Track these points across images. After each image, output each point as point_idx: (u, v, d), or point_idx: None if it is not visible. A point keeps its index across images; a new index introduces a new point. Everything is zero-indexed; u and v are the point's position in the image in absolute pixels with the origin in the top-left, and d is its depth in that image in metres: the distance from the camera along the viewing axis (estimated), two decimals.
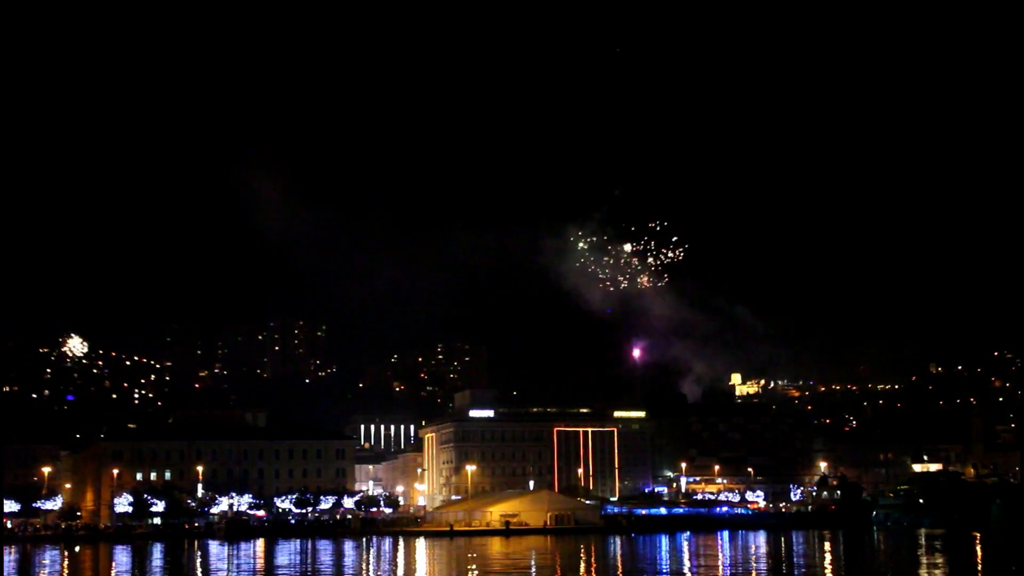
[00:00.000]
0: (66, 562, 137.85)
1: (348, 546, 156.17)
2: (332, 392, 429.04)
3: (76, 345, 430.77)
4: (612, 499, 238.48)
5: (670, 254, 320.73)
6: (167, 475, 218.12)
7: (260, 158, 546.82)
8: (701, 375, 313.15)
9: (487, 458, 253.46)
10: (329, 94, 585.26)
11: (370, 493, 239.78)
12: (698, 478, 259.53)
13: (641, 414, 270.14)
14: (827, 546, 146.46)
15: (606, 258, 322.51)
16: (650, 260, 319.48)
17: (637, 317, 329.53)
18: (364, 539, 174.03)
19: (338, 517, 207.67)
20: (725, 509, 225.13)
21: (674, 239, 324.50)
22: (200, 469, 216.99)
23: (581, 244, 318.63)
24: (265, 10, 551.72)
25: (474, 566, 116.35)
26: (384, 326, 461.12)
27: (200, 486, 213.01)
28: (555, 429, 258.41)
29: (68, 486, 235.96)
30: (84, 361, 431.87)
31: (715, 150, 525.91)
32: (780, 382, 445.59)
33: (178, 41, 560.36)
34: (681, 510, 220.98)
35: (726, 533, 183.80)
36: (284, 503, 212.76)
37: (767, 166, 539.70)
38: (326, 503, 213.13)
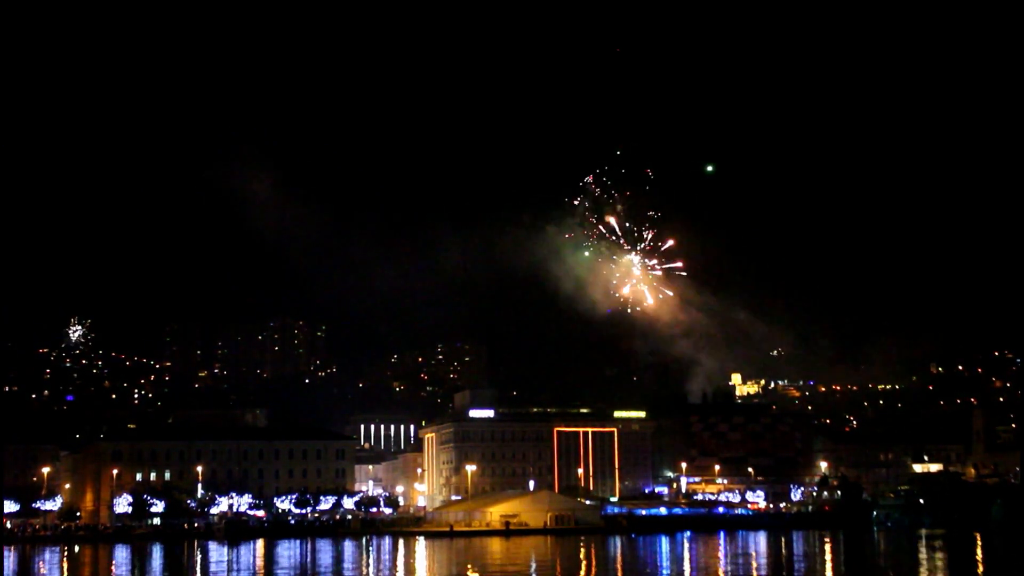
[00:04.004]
0: (66, 562, 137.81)
1: (348, 546, 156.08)
2: (332, 392, 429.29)
3: (78, 332, 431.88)
4: (612, 499, 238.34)
5: (670, 255, 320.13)
6: (167, 475, 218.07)
7: (260, 158, 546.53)
8: (711, 373, 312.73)
9: (487, 458, 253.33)
10: (326, 94, 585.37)
11: (370, 493, 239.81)
12: (698, 478, 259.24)
13: (641, 414, 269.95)
14: (827, 546, 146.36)
15: (605, 258, 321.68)
16: (651, 260, 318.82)
17: (638, 317, 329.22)
18: (364, 539, 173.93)
19: (338, 517, 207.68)
20: (725, 509, 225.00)
21: (674, 239, 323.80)
22: (200, 469, 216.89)
23: (577, 243, 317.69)
24: (262, 12, 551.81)
25: (474, 566, 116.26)
26: (384, 326, 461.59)
27: (200, 486, 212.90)
28: (555, 429, 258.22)
29: (68, 486, 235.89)
30: (84, 361, 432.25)
31: (718, 150, 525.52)
32: (780, 382, 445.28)
33: (177, 42, 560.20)
34: (681, 510, 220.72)
35: (726, 533, 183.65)
36: (284, 503, 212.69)
37: (769, 169, 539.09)
38: (326, 503, 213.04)
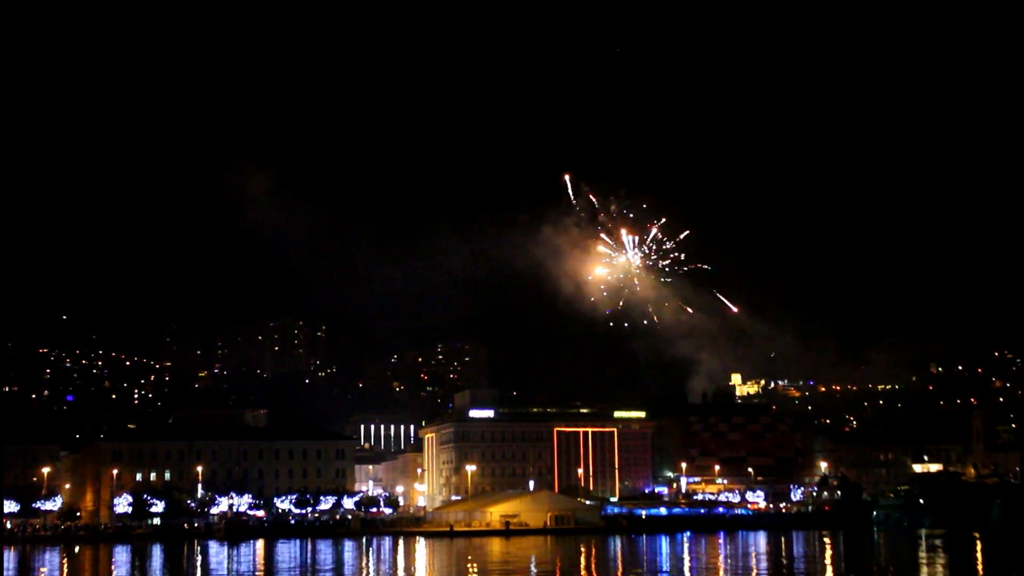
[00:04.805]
0: (66, 562, 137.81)
1: (348, 546, 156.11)
2: (332, 392, 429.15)
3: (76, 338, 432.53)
4: (612, 499, 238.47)
5: (671, 255, 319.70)
6: (167, 475, 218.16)
7: (260, 158, 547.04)
8: (712, 373, 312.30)
9: (487, 458, 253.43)
10: (325, 94, 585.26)
11: (370, 493, 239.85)
12: (698, 478, 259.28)
13: (641, 414, 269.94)
14: (827, 546, 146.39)
15: (604, 257, 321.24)
16: (651, 260, 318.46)
17: (639, 317, 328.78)
18: (364, 539, 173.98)
19: (338, 517, 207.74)
20: (725, 509, 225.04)
21: (676, 240, 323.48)
22: (200, 469, 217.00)
23: (576, 242, 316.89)
24: (261, 12, 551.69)
25: (474, 566, 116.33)
26: (384, 326, 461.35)
27: (200, 486, 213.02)
28: (555, 429, 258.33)
29: (68, 486, 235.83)
30: (84, 361, 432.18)
31: (719, 149, 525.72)
32: (780, 382, 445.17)
33: (176, 42, 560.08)
34: (681, 510, 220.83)
35: (726, 533, 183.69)
36: (284, 503, 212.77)
37: (770, 170, 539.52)
38: (326, 503, 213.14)
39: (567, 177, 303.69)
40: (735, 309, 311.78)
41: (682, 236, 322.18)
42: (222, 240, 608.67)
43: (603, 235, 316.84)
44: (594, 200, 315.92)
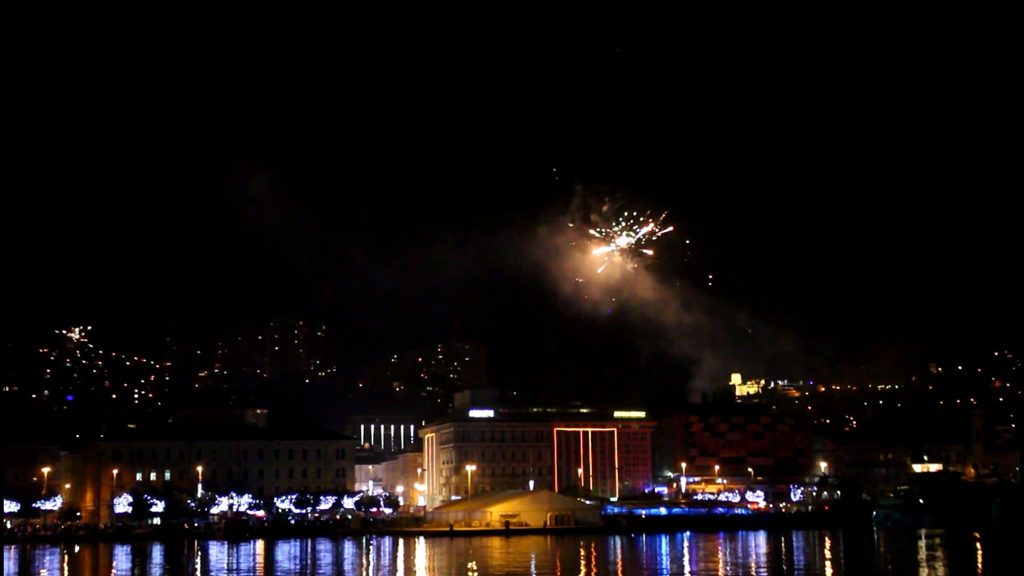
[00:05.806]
0: (66, 562, 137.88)
1: (348, 546, 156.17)
2: (332, 392, 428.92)
3: (76, 337, 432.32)
4: (612, 499, 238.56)
5: (670, 255, 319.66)
6: (167, 475, 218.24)
7: (258, 158, 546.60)
8: (713, 373, 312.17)
9: (487, 458, 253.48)
10: (324, 95, 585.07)
11: (370, 493, 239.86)
12: (698, 478, 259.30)
13: (641, 414, 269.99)
14: (827, 546, 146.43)
15: (604, 257, 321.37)
16: (651, 260, 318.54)
17: (638, 316, 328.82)
18: (364, 539, 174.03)
19: (338, 517, 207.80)
20: (725, 509, 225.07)
21: (677, 240, 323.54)
22: (200, 469, 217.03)
23: (574, 243, 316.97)
24: (260, 12, 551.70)
25: (474, 566, 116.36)
26: (384, 326, 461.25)
27: (200, 486, 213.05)
28: (555, 429, 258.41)
29: (68, 486, 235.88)
30: (84, 361, 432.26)
31: (719, 148, 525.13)
32: (780, 382, 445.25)
33: (174, 43, 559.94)
34: (681, 510, 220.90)
35: (726, 533, 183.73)
36: (284, 503, 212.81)
37: (770, 169, 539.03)
38: (326, 503, 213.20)
39: (563, 175, 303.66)
40: (749, 330, 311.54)
41: (684, 238, 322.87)
42: (222, 240, 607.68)
43: (601, 235, 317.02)
44: (591, 201, 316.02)
